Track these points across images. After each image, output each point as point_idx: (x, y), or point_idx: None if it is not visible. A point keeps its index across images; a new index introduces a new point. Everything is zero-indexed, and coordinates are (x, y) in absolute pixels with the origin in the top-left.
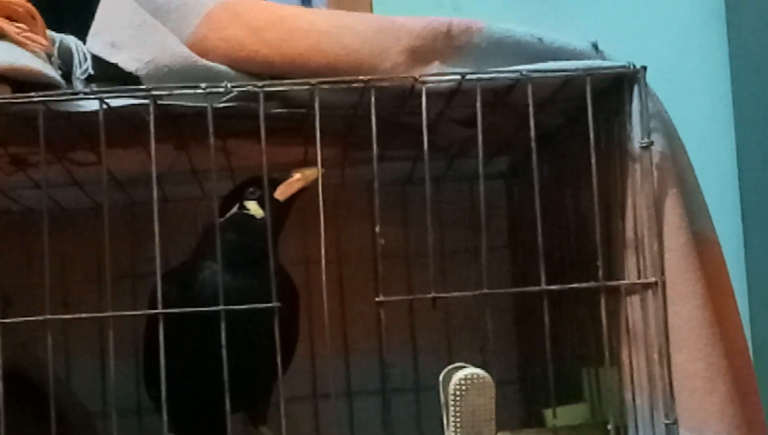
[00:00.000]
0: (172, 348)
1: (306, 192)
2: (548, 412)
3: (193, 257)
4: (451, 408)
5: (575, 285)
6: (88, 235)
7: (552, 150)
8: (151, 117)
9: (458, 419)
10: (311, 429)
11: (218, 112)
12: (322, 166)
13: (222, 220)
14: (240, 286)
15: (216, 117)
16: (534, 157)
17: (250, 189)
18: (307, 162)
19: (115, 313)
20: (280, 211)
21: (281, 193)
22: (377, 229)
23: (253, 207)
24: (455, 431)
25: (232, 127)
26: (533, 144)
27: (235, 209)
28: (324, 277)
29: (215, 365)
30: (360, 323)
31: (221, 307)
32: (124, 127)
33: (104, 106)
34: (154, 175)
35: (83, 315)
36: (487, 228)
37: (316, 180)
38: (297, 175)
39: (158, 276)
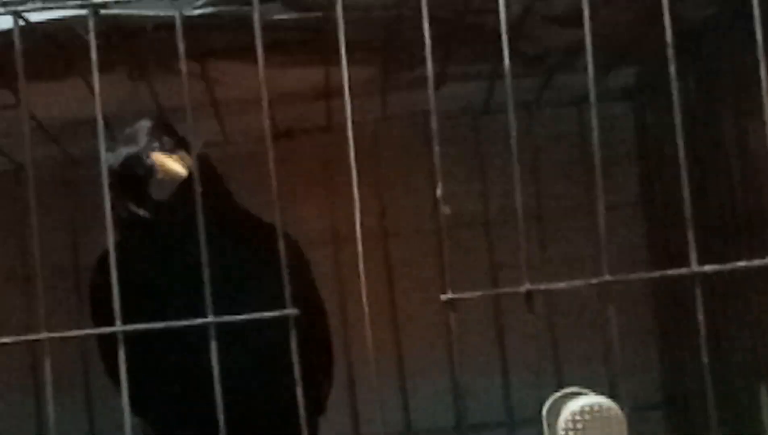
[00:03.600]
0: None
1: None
2: None
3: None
4: None
5: (742, 263)
6: (6, 212)
7: (700, 56)
8: (91, 34)
9: None
10: None
11: (193, 23)
12: (355, 93)
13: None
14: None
15: (189, 29)
16: (672, 68)
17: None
18: (330, 89)
19: (50, 335)
20: (164, 214)
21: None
22: (439, 190)
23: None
24: None
25: (214, 43)
26: (669, 48)
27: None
28: (362, 265)
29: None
30: (420, 331)
31: (210, 319)
32: (54, 51)
33: (21, 23)
34: (100, 119)
35: (4, 339)
36: (607, 174)
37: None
38: (159, 170)
39: (112, 269)
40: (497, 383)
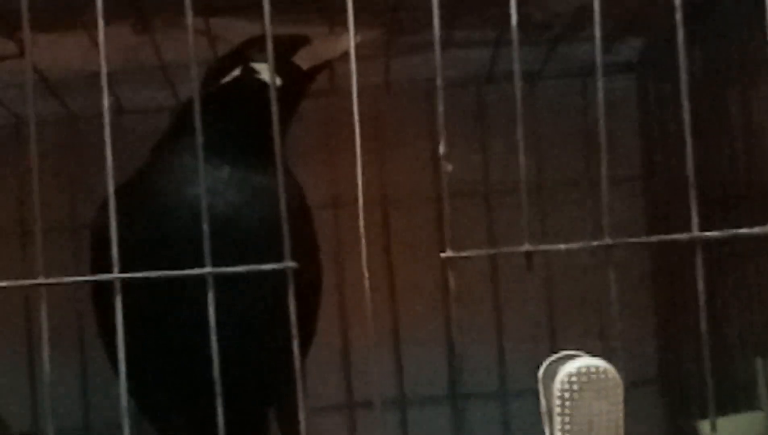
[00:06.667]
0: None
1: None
2: (704, 425)
3: (155, 162)
4: (557, 417)
5: (744, 230)
6: (6, 166)
7: (707, 28)
8: None
9: (568, 433)
10: None
11: None
12: (359, 56)
13: (217, 85)
14: (239, 202)
15: None
16: (680, 38)
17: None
18: None
19: (47, 281)
20: (297, 88)
21: (307, 58)
22: (442, 150)
23: (265, 70)
24: None
25: None
26: (678, 17)
27: (237, 72)
28: (362, 226)
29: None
30: (417, 293)
31: (207, 269)
32: (58, 2)
33: None
34: (103, 73)
35: (1, 283)
36: (609, 148)
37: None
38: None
39: (112, 221)
40: (492, 349)
